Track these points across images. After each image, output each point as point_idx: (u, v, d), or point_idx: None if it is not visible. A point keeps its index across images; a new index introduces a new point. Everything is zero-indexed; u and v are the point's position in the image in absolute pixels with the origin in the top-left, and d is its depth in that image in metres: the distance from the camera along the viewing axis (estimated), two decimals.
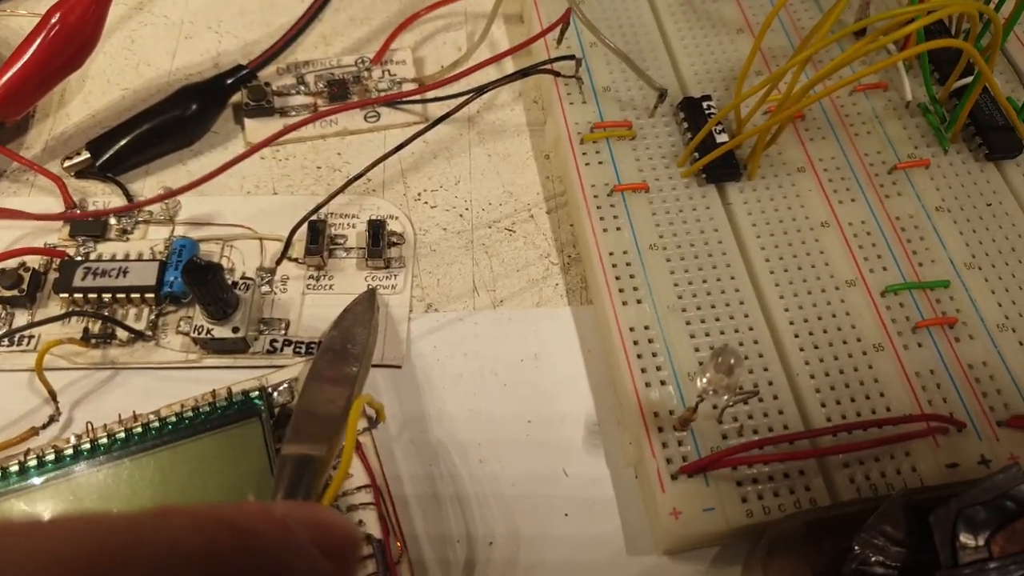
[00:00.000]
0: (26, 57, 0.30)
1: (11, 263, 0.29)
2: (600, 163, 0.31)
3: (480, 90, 0.31)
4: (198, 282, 0.26)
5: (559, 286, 0.30)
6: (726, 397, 0.24)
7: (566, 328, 0.30)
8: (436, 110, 0.33)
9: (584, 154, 0.31)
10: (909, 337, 0.28)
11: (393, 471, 0.27)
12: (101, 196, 0.32)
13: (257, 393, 0.26)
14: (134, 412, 0.26)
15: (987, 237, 0.30)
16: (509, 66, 0.35)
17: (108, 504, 0.24)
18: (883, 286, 0.29)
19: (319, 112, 0.31)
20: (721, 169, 0.31)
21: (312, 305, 0.29)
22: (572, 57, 0.32)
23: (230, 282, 0.28)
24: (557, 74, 0.32)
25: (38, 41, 0.30)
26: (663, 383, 0.27)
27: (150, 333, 0.28)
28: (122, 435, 0.25)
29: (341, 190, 0.29)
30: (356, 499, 0.25)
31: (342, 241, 0.31)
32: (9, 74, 0.30)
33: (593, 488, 0.27)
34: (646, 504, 0.26)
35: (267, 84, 0.33)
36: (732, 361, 0.23)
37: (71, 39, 0.31)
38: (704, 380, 0.23)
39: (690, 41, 0.35)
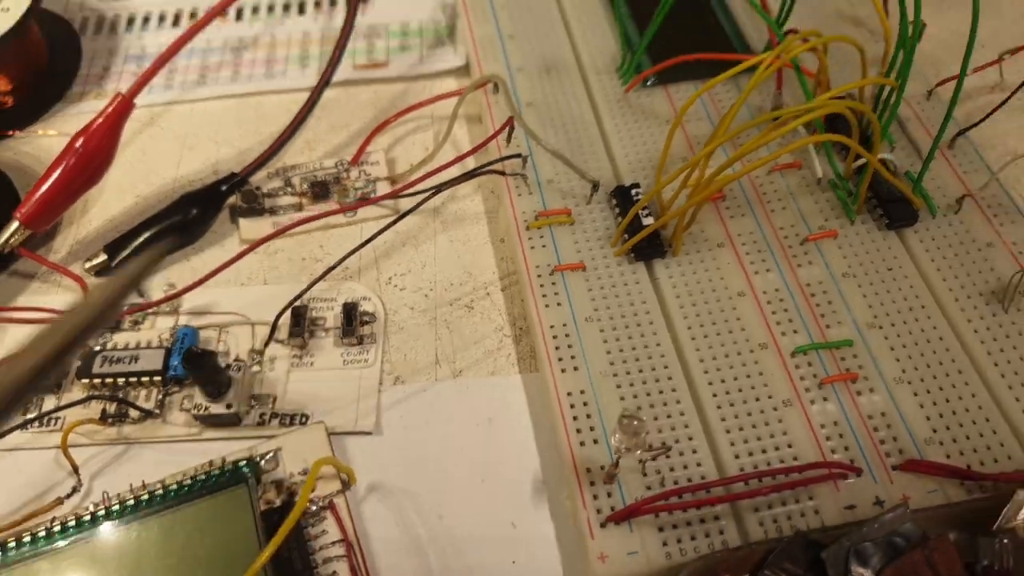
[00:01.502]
0: (55, 176, 0.36)
1: None
2: (544, 246, 0.36)
3: (439, 188, 0.36)
4: (196, 368, 0.30)
5: (511, 356, 0.35)
6: (639, 453, 0.28)
7: (517, 394, 0.34)
8: (406, 204, 0.38)
9: (530, 239, 0.36)
10: (815, 392, 0.32)
11: (362, 528, 0.31)
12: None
13: (245, 462, 0.30)
14: (143, 481, 0.31)
15: (888, 299, 0.34)
16: (471, 162, 0.40)
17: (121, 562, 0.28)
18: (792, 347, 0.33)
19: (305, 217, 0.36)
20: (648, 248, 0.35)
21: (296, 381, 0.34)
22: (519, 155, 0.37)
23: (224, 365, 0.33)
24: (503, 173, 0.36)
25: (64, 163, 0.36)
26: (595, 441, 0.31)
27: (158, 411, 0.33)
28: (132, 502, 0.30)
29: (320, 278, 0.34)
30: (331, 552, 0.30)
31: (322, 322, 0.35)
32: (41, 191, 0.36)
33: (537, 538, 0.31)
34: (580, 551, 0.30)
35: (257, 188, 0.39)
36: (636, 423, 0.27)
37: (92, 159, 0.36)
38: (615, 440, 0.28)
39: (624, 133, 0.39)
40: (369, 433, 0.33)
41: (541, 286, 0.34)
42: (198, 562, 0.29)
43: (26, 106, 0.43)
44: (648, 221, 0.35)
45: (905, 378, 0.32)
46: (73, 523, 0.29)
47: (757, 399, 0.32)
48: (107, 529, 0.29)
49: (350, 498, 0.31)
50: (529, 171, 0.37)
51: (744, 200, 0.37)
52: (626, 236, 0.35)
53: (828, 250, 0.36)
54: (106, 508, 0.30)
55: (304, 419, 0.33)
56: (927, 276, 0.35)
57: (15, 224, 0.36)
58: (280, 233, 0.36)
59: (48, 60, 0.45)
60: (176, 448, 0.33)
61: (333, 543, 0.30)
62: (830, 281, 0.35)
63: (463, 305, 0.36)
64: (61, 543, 0.29)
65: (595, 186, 0.36)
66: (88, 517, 0.29)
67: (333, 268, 0.34)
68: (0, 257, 0.37)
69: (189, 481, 0.30)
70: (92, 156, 0.36)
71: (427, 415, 0.33)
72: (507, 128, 0.37)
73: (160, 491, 0.30)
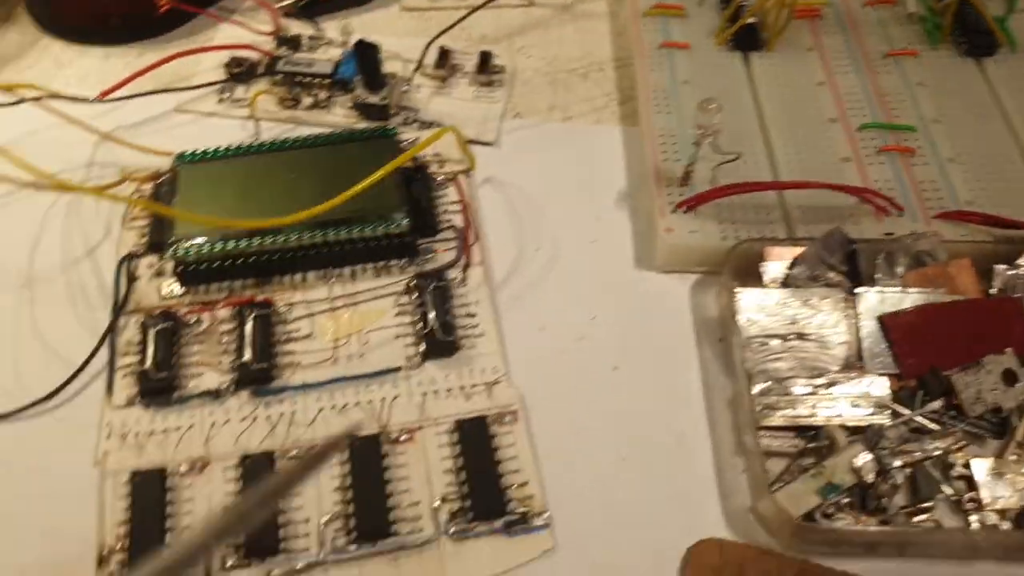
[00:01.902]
0: None
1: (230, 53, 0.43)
2: (655, 30, 0.42)
3: None
4: (364, 53, 0.38)
5: (615, 113, 0.41)
6: (710, 138, 0.34)
7: (615, 137, 0.40)
8: None
9: (645, 24, 0.43)
10: (873, 157, 0.37)
11: (476, 204, 0.38)
12: (294, 26, 0.45)
13: (393, 128, 0.38)
14: None
15: (957, 105, 0.39)
16: None
17: (285, 173, 0.36)
18: (859, 124, 0.38)
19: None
20: (747, 39, 0.41)
21: (436, 104, 0.42)
22: None
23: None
24: None
25: None
26: (677, 161, 0.37)
27: (324, 104, 0.41)
28: (291, 141, 0.37)
29: (461, 20, 0.42)
30: (451, 208, 0.37)
31: (460, 67, 0.43)
32: None
33: (615, 226, 0.37)
34: (650, 234, 0.36)
35: None
36: (712, 106, 0.33)
37: None
38: (696, 124, 0.34)
39: None
40: (490, 144, 0.40)
41: (650, 55, 0.41)
42: (340, 184, 0.36)
43: None
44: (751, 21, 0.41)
45: (958, 160, 0.37)
46: (261, 144, 0.37)
47: (822, 153, 0.37)
48: (281, 150, 0.37)
49: (469, 183, 0.38)
50: None
51: (837, 23, 0.43)
52: (728, 24, 0.41)
53: (907, 65, 0.41)
54: (273, 140, 0.37)
55: (439, 126, 0.40)
56: (998, 98, 0.39)
57: None
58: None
59: None
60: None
61: (452, 202, 0.37)
62: (903, 87, 0.40)
63: (579, 74, 0.43)
64: (249, 156, 0.37)
65: None
66: (268, 142, 0.37)
67: (460, 22, 0.43)
68: None
69: (346, 132, 0.37)
70: None
71: (538, 141, 0.40)
72: None
73: (320, 135, 0.37)
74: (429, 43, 0.42)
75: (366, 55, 0.39)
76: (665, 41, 0.41)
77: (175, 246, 0.33)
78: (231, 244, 0.33)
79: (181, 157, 0.37)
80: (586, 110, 0.41)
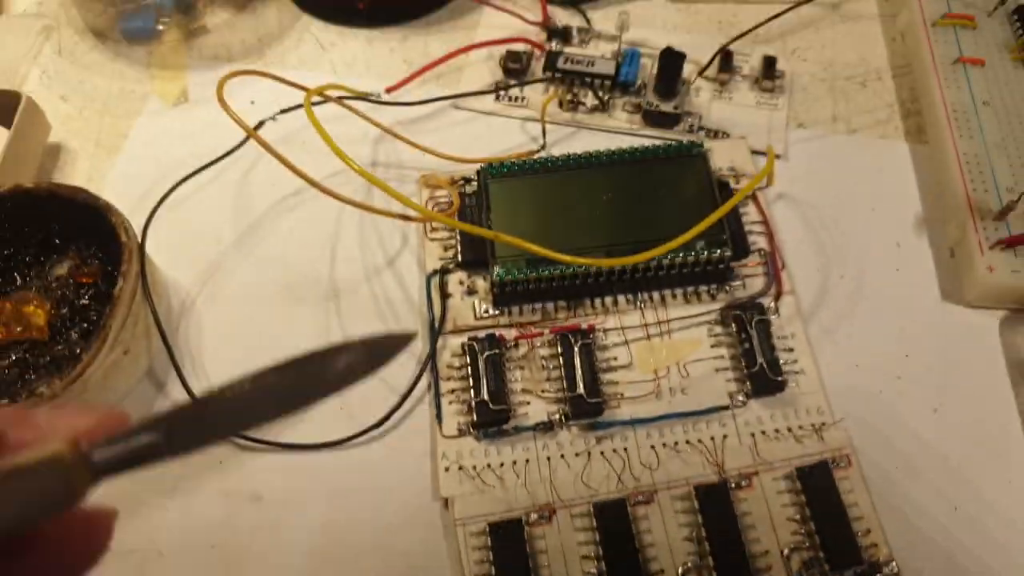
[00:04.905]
0: None
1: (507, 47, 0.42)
2: (947, 42, 0.41)
3: None
4: (670, 60, 0.37)
5: (899, 128, 0.40)
6: None
7: (902, 154, 0.39)
8: None
9: (935, 35, 0.41)
10: None
11: (773, 221, 0.37)
12: (562, 16, 0.44)
13: (700, 143, 0.37)
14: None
15: None
16: None
17: (581, 194, 0.36)
18: None
19: None
20: None
21: (716, 109, 0.41)
22: None
23: None
24: None
25: None
26: (986, 191, 0.36)
27: (604, 106, 0.40)
28: (599, 156, 0.37)
29: (753, 30, 0.41)
30: (754, 228, 0.36)
31: (739, 69, 0.42)
32: None
33: (917, 256, 0.37)
34: (961, 268, 0.36)
35: None
36: None
37: None
38: None
39: None
40: (778, 156, 0.39)
41: (944, 71, 0.40)
42: (649, 203, 0.36)
43: None
44: None
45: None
46: (551, 161, 0.37)
47: None
48: (574, 168, 0.37)
49: (764, 197, 0.37)
50: None
51: None
52: None
53: None
54: (579, 156, 0.37)
55: (725, 135, 0.40)
56: None
57: None
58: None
59: None
60: (616, 138, 0.40)
61: (754, 222, 0.37)
62: None
63: (857, 82, 0.42)
64: (556, 172, 0.36)
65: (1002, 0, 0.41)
66: (561, 161, 0.37)
67: (760, 26, 0.41)
68: None
69: (652, 147, 0.37)
70: None
71: (825, 154, 0.39)
72: None
73: (627, 151, 0.37)
74: (722, 48, 0.40)
75: (670, 64, 0.38)
76: (962, 56, 0.40)
77: (497, 267, 0.34)
78: (548, 270, 0.34)
79: (489, 171, 0.36)
80: (869, 122, 0.41)
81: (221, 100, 0.29)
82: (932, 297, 0.36)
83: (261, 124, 0.37)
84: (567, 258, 0.32)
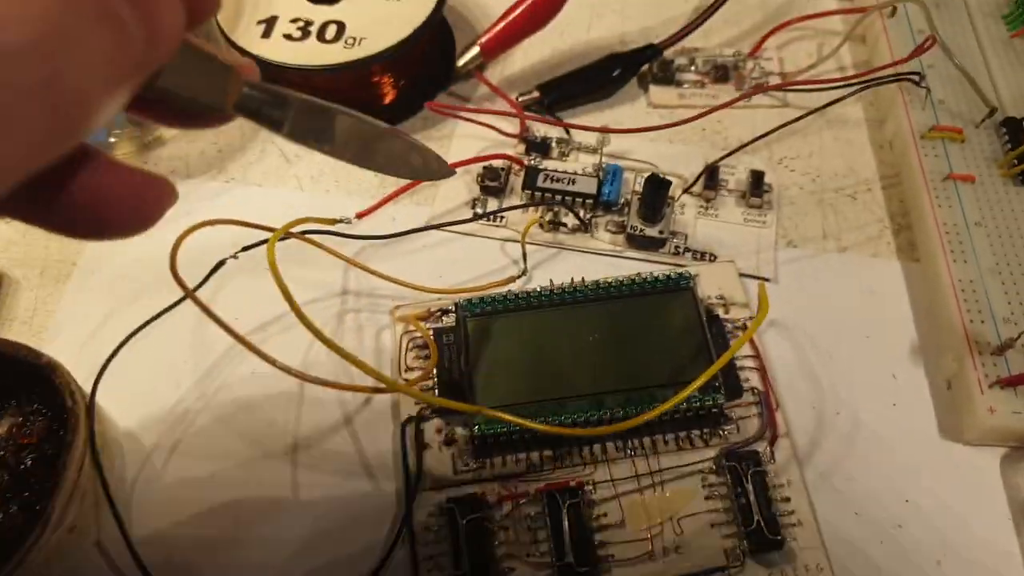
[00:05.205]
0: (514, 15, 0.41)
1: (484, 164, 0.40)
2: (936, 156, 0.39)
3: (860, 86, 0.40)
4: (656, 189, 0.36)
5: (890, 244, 0.39)
6: None
7: (895, 275, 0.38)
8: (792, 99, 0.43)
9: (923, 147, 0.40)
10: None
11: (764, 351, 0.36)
12: (541, 127, 0.42)
13: (685, 274, 0.35)
14: (582, 278, 0.36)
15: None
16: (849, 72, 0.44)
17: (577, 330, 0.34)
18: None
19: (719, 105, 0.41)
20: None
21: (702, 226, 0.39)
22: (917, 74, 0.41)
23: None
24: (918, 83, 0.40)
25: (524, 5, 0.41)
26: (983, 322, 0.35)
27: (587, 227, 0.38)
28: (583, 290, 0.35)
29: (739, 149, 0.39)
30: (744, 363, 0.35)
31: (724, 184, 0.40)
32: (500, 26, 0.41)
33: (914, 389, 0.35)
34: (959, 404, 0.34)
35: (671, 61, 0.43)
36: None
37: (544, 7, 0.41)
38: None
39: (1009, 72, 0.43)
40: (768, 279, 0.38)
41: (934, 188, 0.38)
42: (636, 343, 0.34)
43: None
44: None
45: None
46: (527, 297, 0.35)
47: None
48: (554, 306, 0.35)
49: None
50: (920, 90, 0.41)
51: None
52: (1015, 162, 0.39)
53: None
54: (564, 289, 0.35)
55: (712, 257, 0.38)
56: None
57: (476, 50, 0.42)
58: (699, 117, 0.40)
59: None
60: (599, 259, 0.38)
61: (745, 356, 0.35)
62: None
63: (847, 195, 0.41)
64: (539, 309, 0.34)
65: (992, 111, 0.40)
66: (555, 292, 0.35)
67: (751, 143, 0.39)
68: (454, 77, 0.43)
69: (638, 280, 0.35)
70: (545, 4, 0.41)
71: (817, 275, 0.38)
72: (919, 50, 0.41)
73: (612, 284, 0.35)
74: (708, 167, 0.39)
75: (656, 191, 0.36)
76: (953, 173, 0.39)
77: (479, 420, 0.32)
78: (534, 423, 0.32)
79: (468, 307, 0.34)
80: (860, 239, 0.39)
81: (173, 261, 0.27)
82: (930, 434, 0.34)
83: (221, 264, 0.35)
84: (557, 429, 0.30)
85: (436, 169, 0.25)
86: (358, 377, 0.30)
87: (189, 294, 0.26)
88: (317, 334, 0.27)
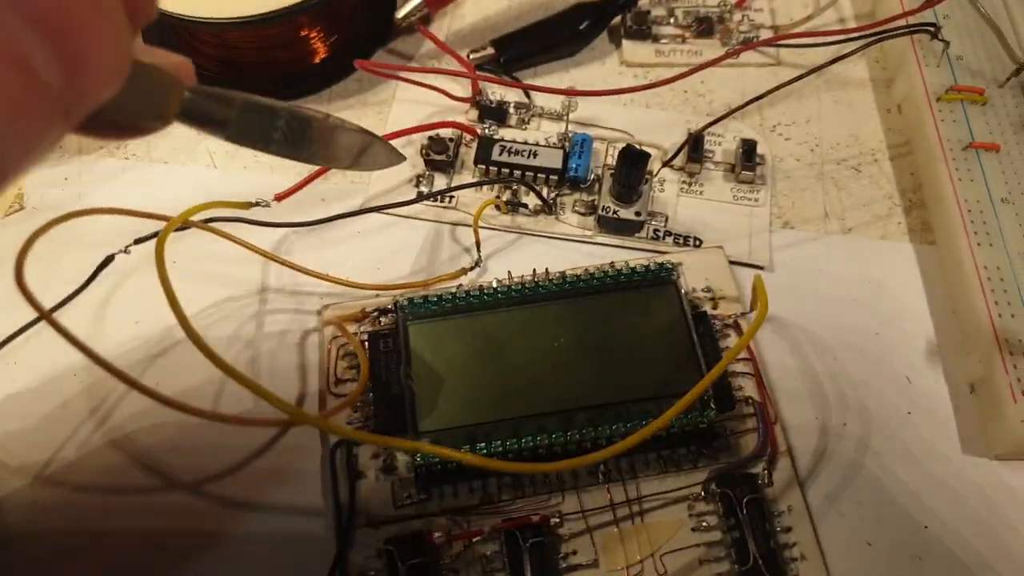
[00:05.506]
0: None
1: (429, 133, 0.34)
2: (954, 121, 0.34)
3: (865, 41, 0.34)
4: (632, 164, 0.30)
5: (901, 224, 0.34)
6: None
7: (908, 261, 0.33)
8: (786, 56, 0.37)
9: (940, 111, 0.34)
10: None
11: (759, 350, 0.31)
12: (497, 89, 0.36)
13: (668, 265, 0.30)
14: (546, 269, 0.31)
15: None
16: (851, 24, 0.38)
17: (540, 333, 0.29)
18: None
19: (701, 63, 0.35)
20: None
21: (685, 205, 0.34)
22: (932, 25, 0.35)
23: None
24: (933, 36, 0.35)
25: None
26: (1012, 316, 0.30)
27: (551, 208, 0.33)
28: (547, 285, 0.30)
29: (727, 115, 0.33)
30: (738, 368, 0.30)
31: (710, 155, 0.35)
32: None
33: (932, 395, 0.30)
34: (985, 413, 0.29)
35: (647, 12, 0.38)
36: None
37: None
38: None
39: None
40: (761, 268, 0.32)
41: (953, 159, 0.33)
42: (611, 348, 0.29)
43: None
44: None
45: None
46: (478, 294, 0.29)
47: None
48: (515, 304, 0.29)
49: (748, 324, 0.30)
50: (935, 44, 0.36)
51: None
52: None
53: None
54: (524, 284, 0.30)
55: (697, 242, 0.33)
56: None
57: (417, 1, 0.36)
58: (680, 77, 0.35)
59: None
60: (566, 246, 0.33)
61: (738, 360, 0.30)
62: None
63: (850, 167, 0.35)
64: (496, 310, 0.29)
65: (1018, 69, 0.34)
66: (503, 290, 0.29)
67: (740, 108, 0.34)
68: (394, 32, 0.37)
69: (612, 272, 0.30)
70: None
71: (818, 263, 0.33)
72: None
73: (581, 276, 0.30)
74: (691, 137, 0.33)
75: (632, 165, 0.30)
76: (974, 141, 0.33)
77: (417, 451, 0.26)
78: (489, 446, 0.26)
79: (409, 308, 0.29)
80: (867, 219, 0.34)
81: (19, 271, 0.21)
82: (951, 448, 0.29)
83: (110, 260, 0.29)
84: (512, 466, 0.24)
85: (386, 160, 0.24)
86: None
87: (44, 316, 0.20)
88: (208, 354, 0.21)
